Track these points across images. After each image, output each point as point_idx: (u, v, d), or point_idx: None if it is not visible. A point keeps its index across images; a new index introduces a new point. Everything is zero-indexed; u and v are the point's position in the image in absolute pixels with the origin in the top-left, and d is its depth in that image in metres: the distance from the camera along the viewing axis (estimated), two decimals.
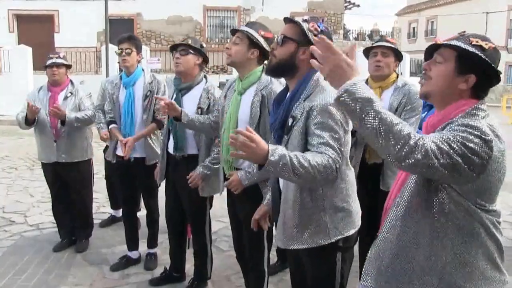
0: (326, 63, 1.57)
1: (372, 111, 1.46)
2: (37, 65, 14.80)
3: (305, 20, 2.14)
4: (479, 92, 1.66)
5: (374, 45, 3.33)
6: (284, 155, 1.80)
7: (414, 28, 34.82)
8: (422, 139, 1.45)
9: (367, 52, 3.37)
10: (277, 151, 1.79)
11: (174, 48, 3.38)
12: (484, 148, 1.49)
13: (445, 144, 1.47)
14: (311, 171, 1.84)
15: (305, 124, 2.05)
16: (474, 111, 1.62)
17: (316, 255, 2.17)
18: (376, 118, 1.45)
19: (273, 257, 4.01)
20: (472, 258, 1.62)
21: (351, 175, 2.20)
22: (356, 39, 26.02)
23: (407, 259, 1.66)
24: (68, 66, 4.30)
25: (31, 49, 14.46)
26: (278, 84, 2.75)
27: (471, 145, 1.48)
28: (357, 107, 1.47)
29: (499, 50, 1.69)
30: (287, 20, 2.20)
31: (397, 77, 3.35)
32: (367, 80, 3.39)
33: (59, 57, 4.23)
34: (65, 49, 17.74)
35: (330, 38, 2.14)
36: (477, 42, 1.63)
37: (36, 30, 19.47)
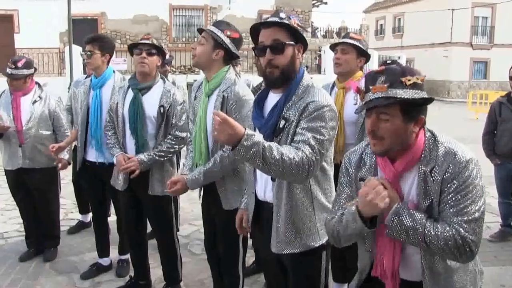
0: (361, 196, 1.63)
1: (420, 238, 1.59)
2: None
3: (283, 18, 2.08)
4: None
5: (337, 41, 3.33)
6: (258, 142, 1.77)
7: (381, 25, 35.37)
8: (462, 237, 1.55)
9: (333, 49, 3.35)
10: (252, 137, 1.76)
11: (135, 46, 3.26)
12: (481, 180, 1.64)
13: (475, 222, 1.59)
14: (280, 165, 1.82)
15: (296, 122, 2.03)
16: (432, 140, 1.67)
17: (304, 258, 2.16)
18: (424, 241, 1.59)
19: (248, 259, 3.98)
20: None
21: (332, 173, 2.22)
22: (324, 36, 26.19)
23: None
24: (28, 75, 4.02)
25: None
26: (242, 85, 2.73)
27: (480, 196, 1.62)
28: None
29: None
30: (271, 24, 2.08)
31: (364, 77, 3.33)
32: (334, 82, 3.38)
33: (16, 67, 3.93)
34: (26, 50, 17.23)
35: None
36: (409, 80, 1.59)
37: None
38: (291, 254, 2.16)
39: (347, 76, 3.25)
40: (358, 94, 1.70)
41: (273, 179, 2.15)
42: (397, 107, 1.60)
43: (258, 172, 2.25)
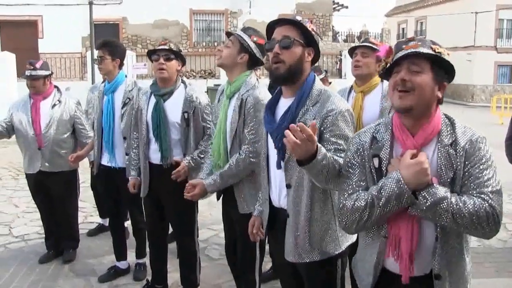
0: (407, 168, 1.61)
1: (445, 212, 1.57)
2: (21, 72, 14.52)
3: (299, 20, 2.10)
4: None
5: (355, 45, 3.34)
6: (325, 154, 1.81)
7: (403, 29, 34.91)
8: (490, 205, 1.56)
9: (351, 53, 3.36)
10: (321, 149, 1.79)
11: (153, 52, 3.27)
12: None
13: (498, 193, 1.60)
14: (336, 172, 1.85)
15: (319, 130, 2.01)
16: (447, 120, 1.70)
17: (320, 266, 2.13)
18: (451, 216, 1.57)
19: (265, 264, 3.94)
20: None
21: None
22: (345, 41, 25.97)
23: None
24: (47, 76, 4.11)
25: (15, 55, 14.20)
26: (262, 90, 2.73)
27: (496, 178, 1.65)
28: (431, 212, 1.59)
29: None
30: (285, 21, 2.12)
31: (382, 80, 3.25)
32: (351, 86, 3.36)
33: (34, 68, 4.02)
34: (50, 55, 17.56)
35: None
36: (438, 49, 1.67)
37: (19, 36, 19.18)
38: (308, 262, 2.12)
39: (365, 79, 3.24)
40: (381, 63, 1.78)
41: (288, 186, 2.12)
42: (428, 63, 1.65)
43: (272, 178, 2.25)
